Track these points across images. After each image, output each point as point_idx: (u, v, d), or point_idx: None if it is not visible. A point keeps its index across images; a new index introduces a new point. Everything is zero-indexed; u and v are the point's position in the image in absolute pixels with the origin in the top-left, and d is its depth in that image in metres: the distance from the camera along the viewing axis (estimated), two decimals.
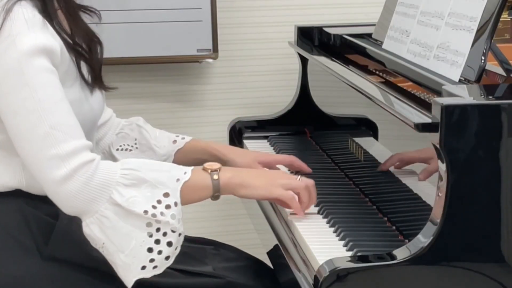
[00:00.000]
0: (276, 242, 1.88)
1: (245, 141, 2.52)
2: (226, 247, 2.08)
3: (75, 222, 1.76)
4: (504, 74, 1.83)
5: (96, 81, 1.87)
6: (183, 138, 2.13)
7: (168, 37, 2.70)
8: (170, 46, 2.71)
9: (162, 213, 1.69)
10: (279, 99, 2.79)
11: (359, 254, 1.65)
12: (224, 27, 2.79)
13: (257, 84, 2.89)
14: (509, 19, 2.47)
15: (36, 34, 1.69)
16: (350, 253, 1.67)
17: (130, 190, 1.69)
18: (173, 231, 1.70)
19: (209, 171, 1.79)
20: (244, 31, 2.85)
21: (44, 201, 1.77)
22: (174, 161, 2.11)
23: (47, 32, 1.72)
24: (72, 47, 1.80)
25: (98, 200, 1.67)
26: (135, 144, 2.11)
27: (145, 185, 1.70)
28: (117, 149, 2.11)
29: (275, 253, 1.90)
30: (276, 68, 2.88)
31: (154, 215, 1.68)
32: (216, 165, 1.80)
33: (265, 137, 2.54)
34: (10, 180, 1.79)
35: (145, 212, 1.68)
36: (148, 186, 1.70)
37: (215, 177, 1.78)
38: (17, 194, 1.80)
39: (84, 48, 1.84)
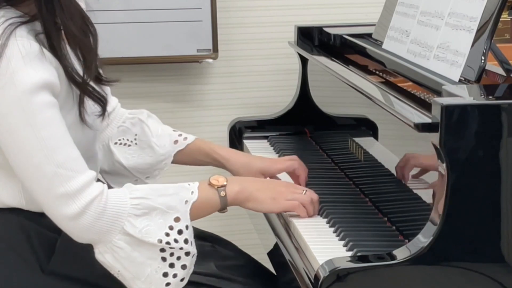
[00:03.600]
0: (276, 242, 1.88)
1: (245, 141, 2.52)
2: (223, 244, 2.08)
3: None
4: (504, 74, 1.83)
5: (93, 77, 1.82)
6: (185, 139, 2.09)
7: (168, 37, 2.70)
8: (170, 46, 2.71)
9: (175, 240, 1.69)
10: (279, 99, 2.79)
11: (359, 254, 1.64)
12: (224, 27, 2.79)
13: (257, 84, 2.89)
14: (509, 19, 2.47)
15: (34, 69, 1.63)
16: (350, 253, 1.67)
17: (142, 220, 1.68)
18: (186, 255, 1.70)
19: (216, 187, 1.79)
20: (244, 31, 2.85)
21: (45, 216, 1.74)
22: (174, 161, 2.10)
23: (45, 61, 1.66)
24: (69, 74, 1.73)
25: (111, 232, 1.67)
26: (135, 139, 2.08)
27: (155, 212, 1.69)
28: (116, 143, 2.07)
29: (275, 253, 1.90)
30: (276, 68, 2.88)
31: (168, 243, 1.69)
32: (222, 180, 1.80)
33: (265, 137, 2.54)
34: (9, 200, 1.77)
35: (159, 241, 1.68)
36: (158, 213, 1.70)
37: (222, 193, 1.78)
38: (18, 210, 1.78)
39: (80, 75, 1.76)
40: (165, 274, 1.69)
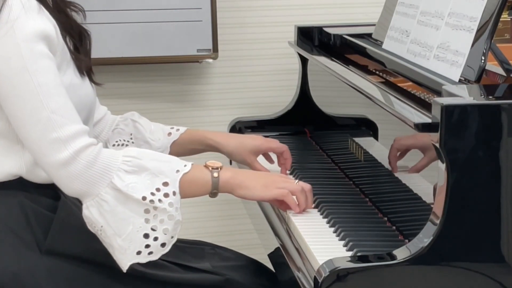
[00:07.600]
0: (277, 244, 1.88)
1: None
2: (223, 248, 2.10)
3: (73, 215, 1.78)
4: (504, 74, 1.83)
5: (86, 70, 1.88)
6: (177, 130, 2.15)
7: (168, 37, 2.70)
8: (170, 46, 2.71)
9: (160, 200, 1.72)
10: (279, 99, 2.79)
11: (359, 254, 1.65)
12: (224, 27, 2.79)
13: (257, 84, 2.89)
14: (509, 19, 2.47)
15: (34, 19, 1.71)
16: (350, 253, 1.67)
17: (131, 176, 1.72)
18: (170, 219, 1.72)
19: (210, 168, 1.82)
20: (244, 31, 2.85)
21: (43, 194, 1.80)
22: (170, 153, 2.13)
23: (43, 15, 1.74)
24: (65, 28, 1.81)
25: (99, 183, 1.71)
26: (131, 139, 2.13)
27: (145, 173, 1.73)
28: (113, 145, 2.12)
29: (276, 253, 1.90)
30: (276, 68, 2.88)
31: (152, 202, 1.71)
32: (217, 164, 1.83)
33: (265, 137, 2.54)
34: (11, 167, 1.80)
35: (144, 198, 1.71)
36: (148, 174, 1.73)
37: (215, 175, 1.81)
38: (17, 187, 1.81)
39: (74, 30, 1.86)
40: (146, 236, 1.72)
